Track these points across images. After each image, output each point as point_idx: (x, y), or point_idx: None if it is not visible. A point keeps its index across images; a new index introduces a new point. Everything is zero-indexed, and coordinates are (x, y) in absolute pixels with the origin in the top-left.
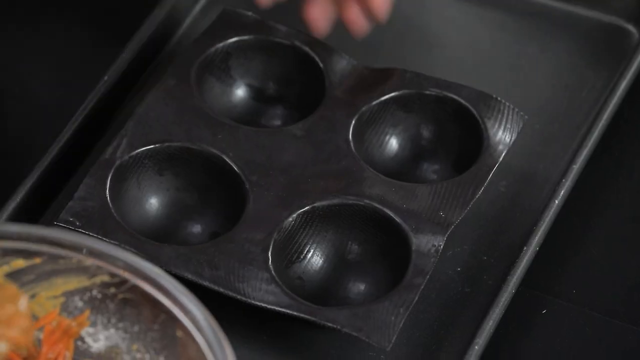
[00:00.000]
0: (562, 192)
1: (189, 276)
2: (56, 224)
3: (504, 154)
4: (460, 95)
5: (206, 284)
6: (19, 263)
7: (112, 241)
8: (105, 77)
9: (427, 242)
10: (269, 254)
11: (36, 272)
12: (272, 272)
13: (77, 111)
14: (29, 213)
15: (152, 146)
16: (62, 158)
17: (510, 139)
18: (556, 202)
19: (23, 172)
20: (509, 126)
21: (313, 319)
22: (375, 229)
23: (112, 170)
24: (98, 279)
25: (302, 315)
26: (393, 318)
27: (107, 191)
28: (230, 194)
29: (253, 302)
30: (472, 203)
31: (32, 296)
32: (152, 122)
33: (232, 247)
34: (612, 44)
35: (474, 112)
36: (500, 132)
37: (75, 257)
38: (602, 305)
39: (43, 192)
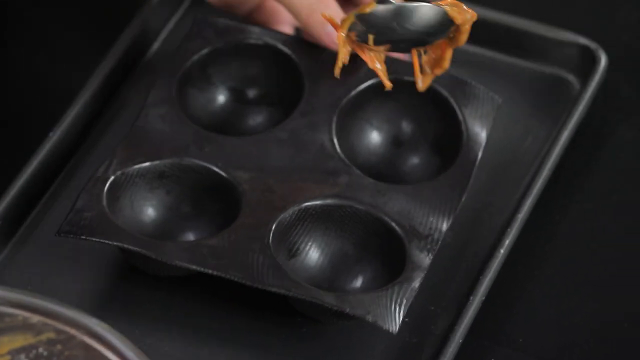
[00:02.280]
0: (507, 242)
1: (195, 267)
2: (57, 236)
3: (483, 147)
4: (434, 81)
5: (212, 272)
6: None
7: (116, 243)
8: (79, 95)
9: (421, 246)
10: (270, 243)
11: None
12: (276, 259)
13: (58, 122)
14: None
15: (142, 165)
16: (38, 174)
17: (488, 127)
18: (501, 251)
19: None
20: (486, 112)
21: (322, 302)
22: (368, 231)
23: (107, 186)
24: (44, 336)
25: (310, 299)
26: (397, 306)
27: (105, 202)
28: (224, 202)
29: (263, 286)
30: (459, 207)
31: None
32: (141, 143)
33: (234, 239)
34: (554, 95)
35: (452, 100)
36: (477, 121)
37: (21, 314)
38: (549, 353)
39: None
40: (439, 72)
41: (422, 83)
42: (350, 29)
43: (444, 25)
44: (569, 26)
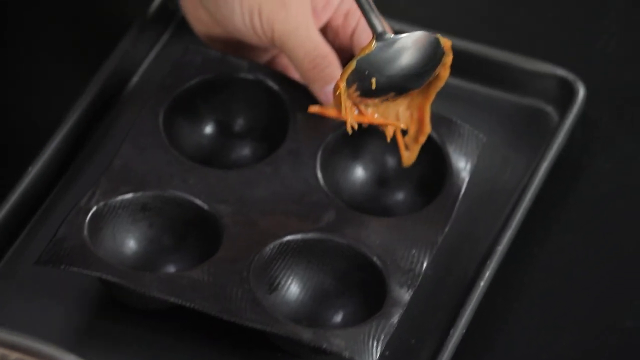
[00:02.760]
0: (487, 274)
1: (174, 299)
2: (36, 265)
3: (466, 182)
4: None
5: (191, 305)
6: None
7: (95, 273)
8: (64, 122)
9: (402, 281)
10: (250, 278)
11: None
12: (255, 294)
13: (38, 155)
14: None
15: (125, 196)
16: (22, 203)
17: (472, 164)
18: (481, 284)
19: None
20: (470, 149)
21: (299, 338)
22: (349, 265)
23: (89, 217)
24: None
25: (288, 334)
26: (375, 341)
27: (86, 233)
28: (206, 235)
29: (241, 321)
30: (440, 240)
31: None
32: (125, 174)
33: (213, 272)
34: (533, 126)
35: (435, 137)
36: (461, 157)
37: (0, 352)
38: None
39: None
40: (422, 139)
41: (408, 160)
42: (349, 84)
43: (435, 59)
44: (547, 58)
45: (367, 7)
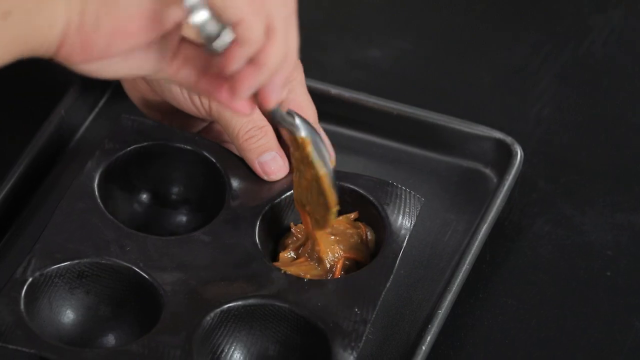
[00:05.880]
0: (428, 338)
1: None
2: None
3: (406, 240)
4: (357, 184)
5: None
6: None
7: (33, 351)
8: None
9: (345, 343)
10: (192, 350)
11: None
12: None
13: None
14: None
15: (61, 264)
16: None
17: (411, 223)
18: (423, 348)
19: None
20: (408, 210)
21: None
22: (291, 329)
23: (25, 289)
24: None
25: None
26: None
27: (22, 307)
28: (145, 303)
29: None
30: (383, 295)
31: None
32: (60, 240)
33: (154, 346)
34: (472, 188)
35: (373, 199)
36: (400, 217)
37: None
38: None
39: None
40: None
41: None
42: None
43: None
44: (485, 122)
45: (278, 116)
